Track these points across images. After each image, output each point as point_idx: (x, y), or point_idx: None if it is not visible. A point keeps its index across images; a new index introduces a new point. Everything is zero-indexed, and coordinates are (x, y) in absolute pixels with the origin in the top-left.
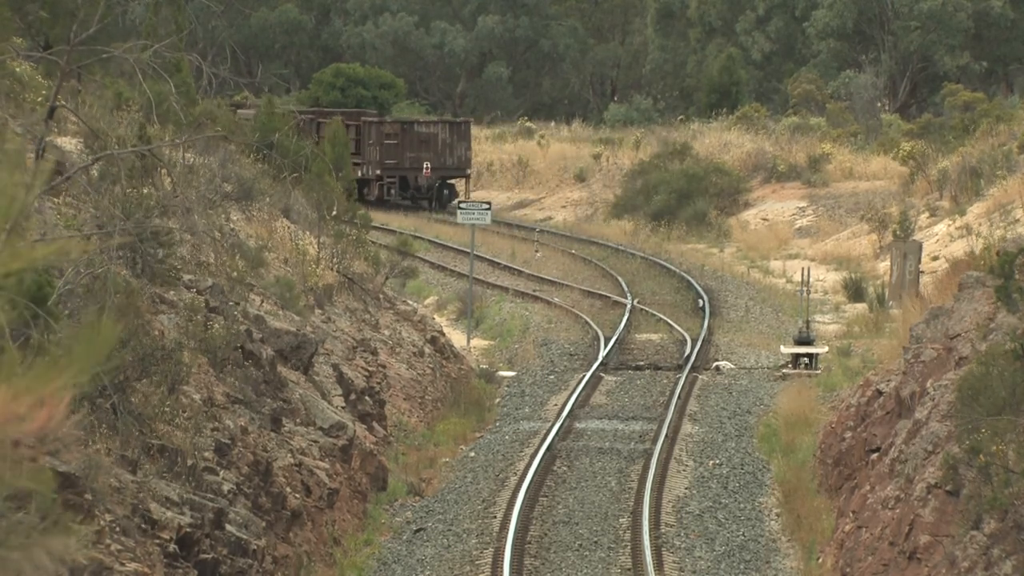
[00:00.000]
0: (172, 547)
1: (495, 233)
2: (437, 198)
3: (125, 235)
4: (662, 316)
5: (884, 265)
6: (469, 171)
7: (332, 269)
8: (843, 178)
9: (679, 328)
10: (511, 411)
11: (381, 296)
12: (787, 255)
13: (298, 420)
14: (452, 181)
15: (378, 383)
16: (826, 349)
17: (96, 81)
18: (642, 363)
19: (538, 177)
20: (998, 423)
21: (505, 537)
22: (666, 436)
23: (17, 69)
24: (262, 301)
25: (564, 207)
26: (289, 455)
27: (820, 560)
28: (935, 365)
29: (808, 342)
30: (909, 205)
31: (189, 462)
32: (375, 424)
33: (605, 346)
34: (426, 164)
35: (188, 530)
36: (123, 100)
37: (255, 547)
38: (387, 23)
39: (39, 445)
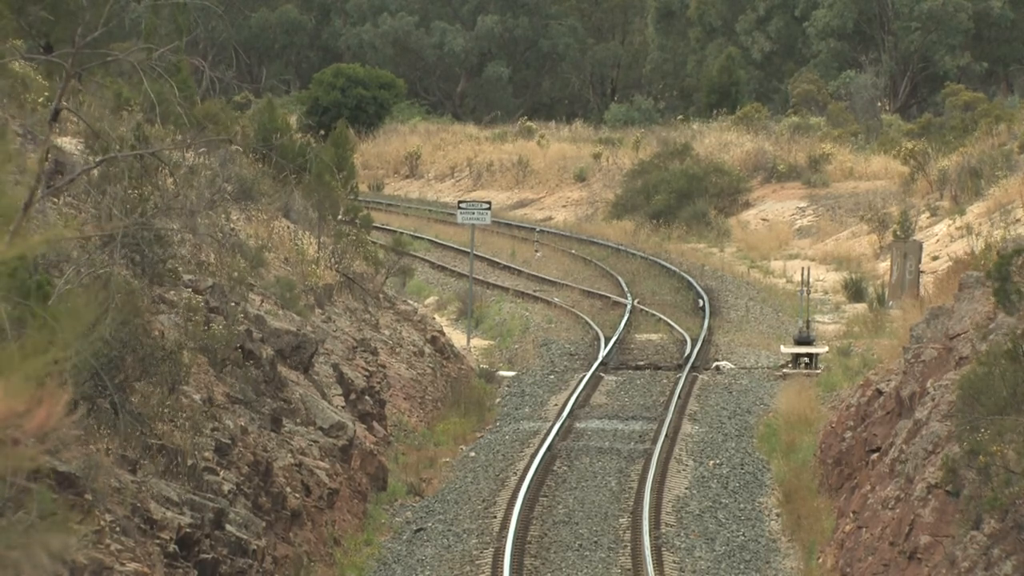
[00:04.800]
0: (172, 547)
1: (495, 233)
2: None
3: (126, 235)
4: (662, 316)
5: (884, 265)
6: None
7: (332, 269)
8: (843, 178)
9: (679, 328)
10: (511, 411)
11: (381, 296)
12: (787, 255)
13: (298, 420)
14: None
15: (378, 383)
16: (826, 349)
17: (96, 81)
18: (642, 363)
19: (538, 177)
20: (998, 423)
21: (505, 537)
22: (666, 436)
23: (19, 71)
24: (262, 301)
25: (564, 207)
26: (289, 455)
27: (820, 560)
28: (935, 365)
29: (808, 342)
30: (909, 205)
31: (189, 462)
32: (375, 424)
33: (605, 346)
34: None
35: (188, 530)
36: (123, 100)
37: (255, 547)
38: (387, 23)
39: (39, 444)
